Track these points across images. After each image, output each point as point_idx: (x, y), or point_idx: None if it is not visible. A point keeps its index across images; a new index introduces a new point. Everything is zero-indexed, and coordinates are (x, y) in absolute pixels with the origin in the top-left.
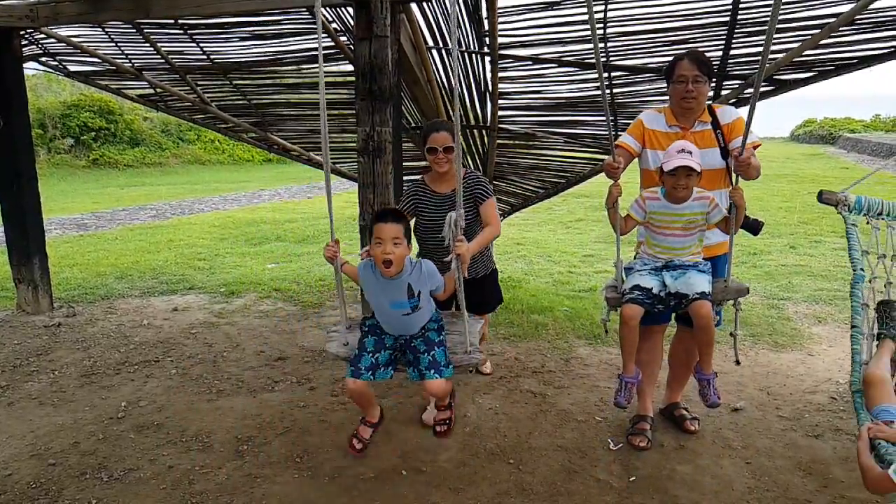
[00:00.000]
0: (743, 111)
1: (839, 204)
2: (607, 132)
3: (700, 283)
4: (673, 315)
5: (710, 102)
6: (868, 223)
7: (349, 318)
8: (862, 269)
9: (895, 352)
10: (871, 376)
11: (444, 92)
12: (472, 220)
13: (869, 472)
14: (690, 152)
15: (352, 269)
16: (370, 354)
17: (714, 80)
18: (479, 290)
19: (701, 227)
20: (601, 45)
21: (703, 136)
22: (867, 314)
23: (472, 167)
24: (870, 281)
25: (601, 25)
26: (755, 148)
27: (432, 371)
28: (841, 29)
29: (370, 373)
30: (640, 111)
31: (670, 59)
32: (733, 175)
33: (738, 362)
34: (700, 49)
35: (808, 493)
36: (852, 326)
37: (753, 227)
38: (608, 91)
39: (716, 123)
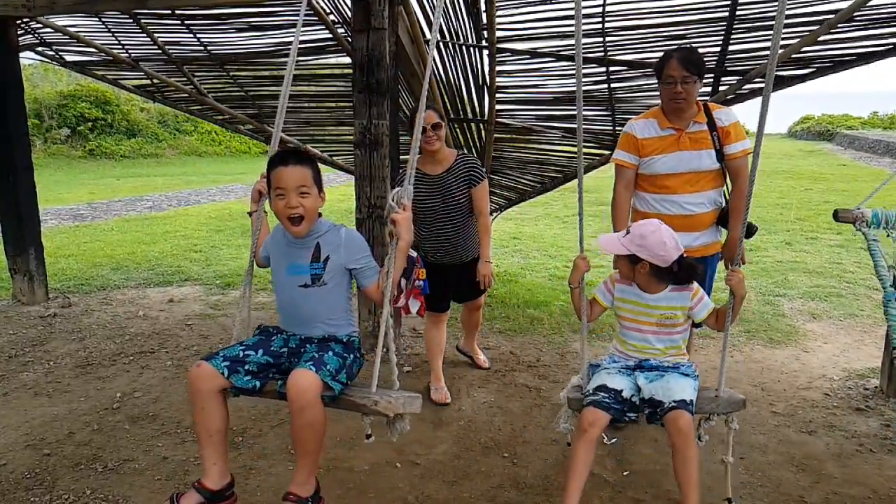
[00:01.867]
0: (740, 110)
1: (857, 221)
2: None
3: (681, 388)
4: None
5: (707, 100)
6: (888, 236)
7: (257, 326)
8: (892, 287)
9: None
10: None
11: (442, 84)
12: (465, 200)
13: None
14: (628, 231)
15: (266, 226)
16: (242, 347)
17: (704, 78)
18: (467, 273)
19: (681, 328)
20: (599, 39)
21: (697, 137)
22: None
23: None
24: None
25: (599, 20)
26: (745, 154)
27: (309, 363)
28: (839, 25)
29: (226, 365)
30: (638, 105)
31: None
32: (727, 177)
33: (729, 501)
34: (698, 45)
35: (801, 488)
36: (894, 349)
37: (747, 230)
38: (605, 86)
39: (712, 124)
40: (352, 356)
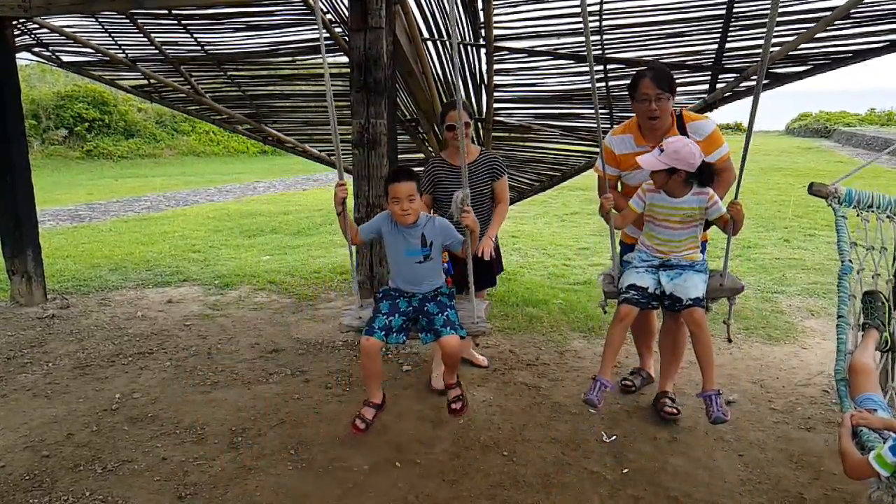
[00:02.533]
0: (737, 107)
1: (829, 196)
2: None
3: (695, 286)
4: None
5: (681, 110)
6: (858, 216)
7: (361, 300)
8: (850, 261)
9: (879, 341)
10: (857, 365)
11: (439, 83)
12: (488, 191)
13: (849, 458)
14: (662, 149)
15: (352, 223)
16: (384, 316)
17: (675, 94)
18: (482, 264)
19: (699, 222)
20: (596, 37)
21: None
22: (853, 305)
23: None
24: (857, 273)
25: (596, 18)
26: (724, 161)
27: (448, 328)
28: (836, 22)
29: (383, 332)
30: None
31: (666, 51)
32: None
33: (729, 340)
34: (695, 42)
35: (800, 485)
36: (838, 316)
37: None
38: (603, 84)
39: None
40: (452, 299)
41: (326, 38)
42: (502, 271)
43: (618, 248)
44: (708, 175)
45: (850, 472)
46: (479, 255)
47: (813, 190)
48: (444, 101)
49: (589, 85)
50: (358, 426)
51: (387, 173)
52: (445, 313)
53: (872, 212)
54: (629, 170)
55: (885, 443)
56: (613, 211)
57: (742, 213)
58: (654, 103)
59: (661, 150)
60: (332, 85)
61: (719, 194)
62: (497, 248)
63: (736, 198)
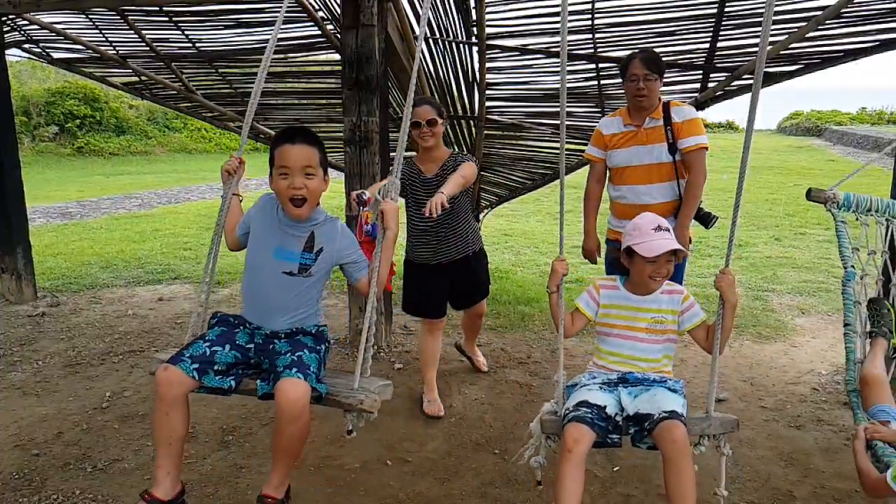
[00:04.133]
0: (728, 106)
1: (828, 201)
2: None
3: (670, 401)
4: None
5: (669, 99)
6: (857, 220)
7: (211, 314)
8: (852, 267)
9: (887, 349)
10: (868, 376)
11: (431, 81)
12: (459, 198)
13: (866, 477)
14: (667, 229)
15: (238, 208)
16: (205, 343)
17: (664, 77)
18: (466, 272)
19: (670, 336)
20: (588, 36)
21: (652, 133)
22: (859, 312)
23: None
24: (861, 278)
25: (588, 17)
26: (698, 149)
27: (294, 370)
28: (827, 22)
29: (195, 366)
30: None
31: (657, 50)
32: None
33: None
34: (687, 41)
35: (790, 482)
36: (845, 325)
37: (705, 219)
38: (595, 83)
39: (668, 120)
40: (323, 347)
41: (318, 36)
42: (488, 288)
43: (563, 380)
44: (703, 218)
45: (869, 490)
46: (427, 213)
47: (811, 196)
48: (437, 99)
49: (580, 84)
50: None
51: (379, 171)
52: (298, 354)
53: (872, 216)
54: (612, 149)
55: None
56: (562, 296)
57: (733, 288)
58: (642, 82)
59: (668, 230)
60: (324, 82)
61: (686, 206)
62: (482, 261)
63: (736, 212)
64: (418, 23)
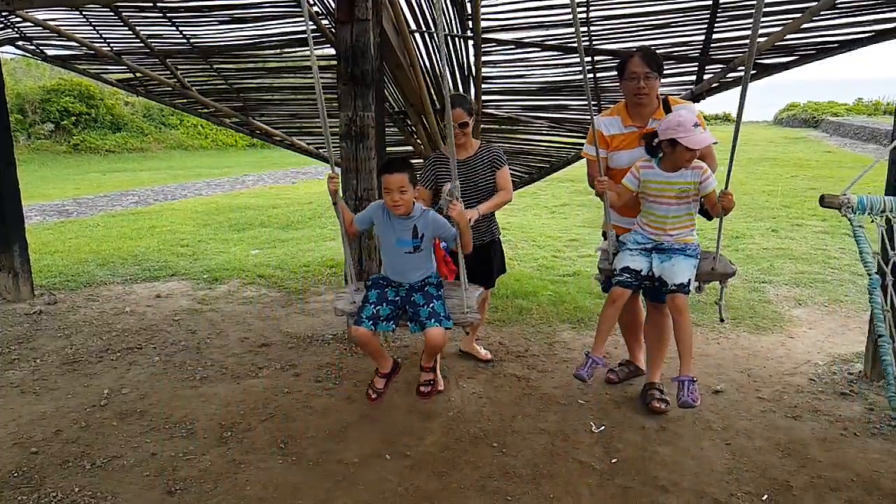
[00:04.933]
0: (724, 98)
1: (842, 207)
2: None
3: (682, 271)
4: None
5: (668, 96)
6: (872, 222)
7: (356, 282)
8: (877, 273)
9: None
10: None
11: (427, 76)
12: (488, 184)
13: None
14: (702, 126)
15: (345, 208)
16: (372, 305)
17: (662, 75)
18: (485, 256)
19: (694, 197)
20: (583, 28)
21: None
22: (889, 321)
23: None
24: (890, 284)
25: (584, 9)
26: (715, 143)
27: (433, 320)
28: (822, 13)
29: (371, 322)
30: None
31: (653, 42)
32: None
33: (722, 319)
34: (682, 33)
35: (787, 473)
36: (878, 336)
37: (708, 213)
38: (590, 76)
39: None
40: (441, 290)
41: (313, 30)
42: (504, 272)
43: (613, 235)
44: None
45: None
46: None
47: (825, 202)
48: (433, 93)
49: (576, 77)
50: (370, 396)
51: (375, 166)
52: (431, 305)
53: (886, 216)
54: (615, 150)
55: None
56: (608, 192)
57: (733, 203)
58: (642, 81)
59: (704, 127)
60: (321, 77)
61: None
62: (499, 244)
63: (727, 187)
64: (413, 17)
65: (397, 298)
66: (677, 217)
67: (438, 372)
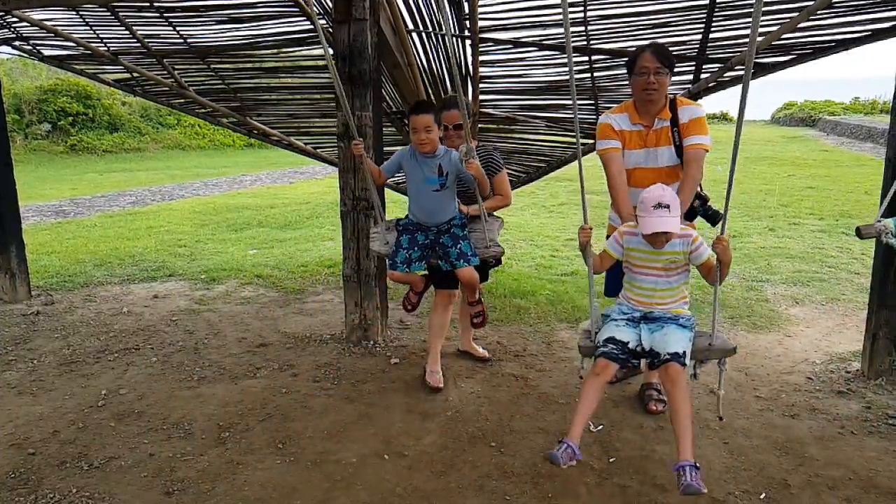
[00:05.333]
0: (721, 97)
1: (881, 234)
2: (588, 117)
3: (677, 341)
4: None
5: (675, 95)
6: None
7: (385, 220)
8: None
9: None
10: None
11: (424, 75)
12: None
13: None
14: (668, 206)
15: (373, 165)
16: (405, 250)
17: (673, 72)
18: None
19: (684, 269)
20: (581, 28)
21: (661, 134)
22: None
23: None
24: None
25: (581, 8)
26: (695, 148)
27: (461, 261)
28: (819, 12)
29: (405, 265)
30: (621, 94)
31: (650, 41)
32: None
33: (720, 418)
34: (680, 32)
35: (784, 471)
36: None
37: (713, 217)
38: (588, 75)
39: (675, 121)
40: (466, 230)
41: (310, 30)
42: (499, 264)
43: (596, 302)
44: (690, 212)
45: None
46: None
47: (862, 234)
48: (430, 92)
49: (574, 76)
50: (406, 306)
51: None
52: (458, 245)
53: None
54: (625, 148)
55: None
56: (592, 249)
57: (729, 254)
58: (652, 76)
59: (668, 207)
60: (317, 77)
61: (682, 196)
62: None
63: (725, 212)
64: (410, 16)
65: (427, 241)
66: (666, 290)
67: (439, 368)
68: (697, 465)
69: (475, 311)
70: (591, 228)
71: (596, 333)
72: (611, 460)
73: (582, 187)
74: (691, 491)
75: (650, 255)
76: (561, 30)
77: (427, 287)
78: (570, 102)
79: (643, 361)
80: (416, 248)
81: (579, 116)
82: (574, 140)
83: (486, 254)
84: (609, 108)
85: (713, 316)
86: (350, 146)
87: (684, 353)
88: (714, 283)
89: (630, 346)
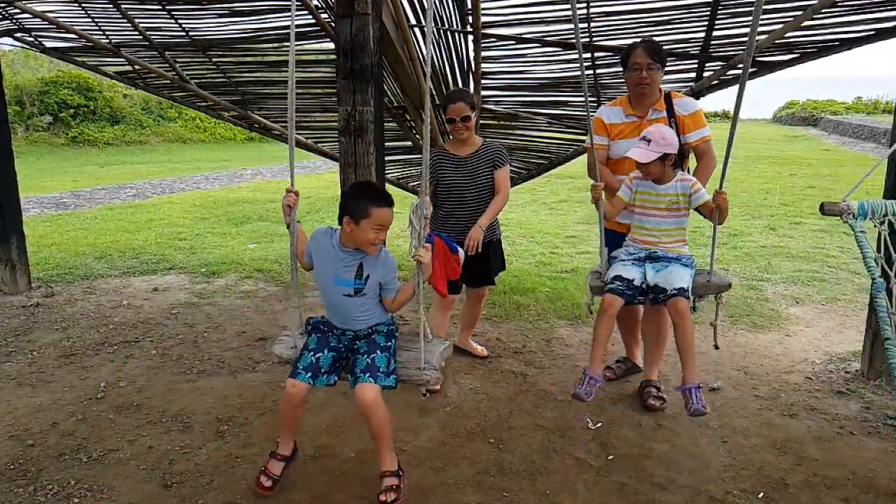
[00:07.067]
0: (723, 95)
1: (843, 214)
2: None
3: (680, 277)
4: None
5: (669, 90)
6: (875, 227)
7: (306, 320)
8: (881, 277)
9: None
10: None
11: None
12: (489, 182)
13: None
14: (649, 140)
15: (302, 232)
16: (311, 353)
17: (665, 67)
18: (484, 255)
19: (685, 210)
20: (584, 25)
21: (656, 124)
22: (894, 323)
23: None
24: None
25: (584, 5)
26: (705, 142)
27: (367, 374)
28: (822, 11)
29: (309, 374)
30: (623, 91)
31: (655, 38)
32: (690, 164)
33: (716, 346)
34: (682, 30)
35: (783, 471)
36: (885, 339)
37: None
38: (590, 72)
39: (671, 112)
40: (393, 340)
41: (312, 25)
42: (503, 269)
43: (604, 242)
44: (681, 154)
45: None
46: (467, 251)
47: (825, 210)
48: (433, 88)
49: (576, 73)
50: (263, 484)
51: (374, 161)
52: (372, 356)
53: (888, 220)
54: (616, 139)
55: None
56: (604, 199)
57: (727, 203)
58: (644, 72)
59: (649, 141)
60: (319, 72)
61: (701, 181)
62: (499, 243)
63: (721, 187)
64: (413, 11)
65: (341, 346)
66: (668, 230)
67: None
68: (700, 385)
69: (386, 486)
70: (602, 186)
71: (605, 273)
72: (609, 457)
73: (596, 162)
74: (698, 413)
75: (655, 197)
76: (563, 26)
77: (294, 458)
78: (571, 99)
79: (643, 362)
80: (326, 351)
81: (581, 113)
82: (574, 137)
83: (414, 378)
84: None
85: (711, 255)
86: (284, 196)
87: (688, 287)
88: (713, 222)
89: (636, 283)
